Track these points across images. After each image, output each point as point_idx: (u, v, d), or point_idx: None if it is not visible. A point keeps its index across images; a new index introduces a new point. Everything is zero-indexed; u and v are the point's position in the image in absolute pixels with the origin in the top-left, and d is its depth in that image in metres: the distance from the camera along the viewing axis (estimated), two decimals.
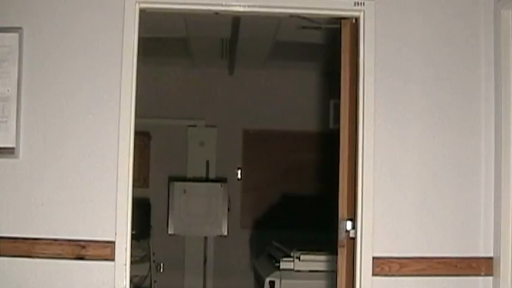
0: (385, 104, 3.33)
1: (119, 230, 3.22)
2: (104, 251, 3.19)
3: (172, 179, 6.70)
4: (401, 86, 3.35)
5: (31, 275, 3.18)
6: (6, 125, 3.20)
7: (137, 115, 3.30)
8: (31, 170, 3.22)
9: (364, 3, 3.34)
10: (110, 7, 3.29)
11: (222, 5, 3.37)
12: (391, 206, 3.30)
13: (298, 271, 4.76)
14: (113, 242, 3.20)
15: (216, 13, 3.46)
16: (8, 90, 3.21)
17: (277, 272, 4.83)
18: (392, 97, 3.34)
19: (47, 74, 3.26)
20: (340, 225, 3.34)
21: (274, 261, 5.08)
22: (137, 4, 3.31)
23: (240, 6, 3.37)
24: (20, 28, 3.24)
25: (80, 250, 3.19)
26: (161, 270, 6.52)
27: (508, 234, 3.21)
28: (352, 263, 3.32)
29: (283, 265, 4.83)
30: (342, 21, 3.43)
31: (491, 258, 3.28)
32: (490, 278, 3.27)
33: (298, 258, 4.77)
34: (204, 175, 6.97)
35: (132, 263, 3.29)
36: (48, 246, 3.18)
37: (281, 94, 6.95)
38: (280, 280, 4.75)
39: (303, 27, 4.55)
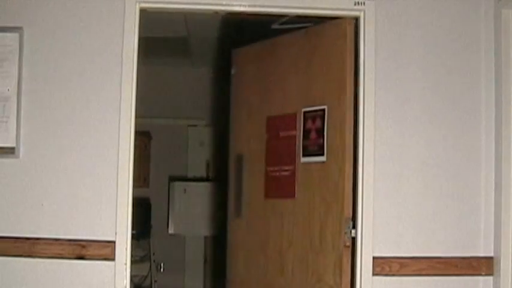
0: (386, 104, 3.33)
1: (119, 229, 3.22)
2: (104, 250, 3.19)
3: (173, 178, 6.70)
4: (401, 85, 3.35)
5: (31, 275, 3.18)
6: (6, 124, 3.20)
7: (137, 115, 3.30)
8: (31, 170, 3.22)
9: (364, 3, 3.34)
10: (110, 7, 3.29)
11: (222, 5, 3.37)
12: (391, 205, 3.30)
13: None
14: (113, 242, 3.21)
15: (216, 13, 3.46)
16: (8, 89, 3.21)
17: None
18: (393, 96, 3.34)
19: (47, 73, 3.27)
20: (344, 225, 3.33)
21: None
22: (137, 4, 3.31)
23: (240, 6, 3.37)
24: (21, 28, 3.24)
25: (80, 250, 3.19)
26: (161, 270, 6.52)
27: (508, 234, 3.21)
28: (352, 263, 3.32)
29: None
30: (342, 20, 3.43)
31: (491, 258, 3.28)
32: (491, 277, 3.27)
33: None
34: (204, 175, 6.97)
35: (132, 262, 3.29)
36: (49, 246, 3.18)
37: None
38: None
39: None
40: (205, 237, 6.81)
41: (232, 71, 4.11)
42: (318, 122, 3.52)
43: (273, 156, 3.80)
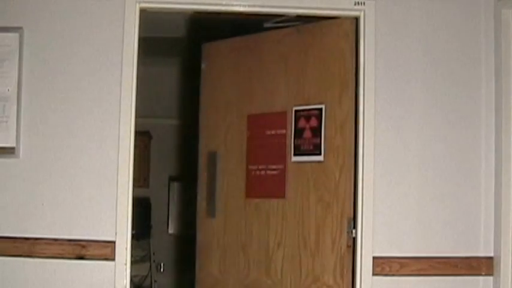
0: (386, 104, 3.33)
1: (119, 229, 3.22)
2: (104, 250, 3.19)
3: (173, 179, 6.69)
4: (401, 86, 3.35)
5: (31, 275, 3.18)
6: (6, 124, 3.20)
7: (137, 115, 3.30)
8: (31, 170, 3.22)
9: (364, 3, 3.34)
10: (110, 7, 3.29)
11: (222, 5, 3.37)
12: (391, 205, 3.30)
13: None
14: (113, 242, 3.21)
15: (216, 13, 3.46)
16: (8, 89, 3.21)
17: None
18: (393, 96, 3.34)
19: (47, 74, 3.27)
20: (347, 225, 3.34)
21: None
22: (137, 4, 3.31)
23: (240, 6, 3.37)
24: (21, 28, 3.24)
25: (80, 250, 3.19)
26: (161, 270, 6.52)
27: (508, 234, 3.21)
28: (352, 263, 3.32)
29: None
30: (343, 20, 3.43)
31: (491, 258, 3.28)
32: (490, 278, 3.27)
33: None
34: None
35: (132, 262, 3.29)
36: (49, 246, 3.18)
37: None
38: None
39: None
40: None
41: (203, 66, 3.98)
42: (314, 121, 3.50)
43: (256, 154, 3.74)
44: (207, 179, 3.93)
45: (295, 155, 3.57)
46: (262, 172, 3.69)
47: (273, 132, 3.67)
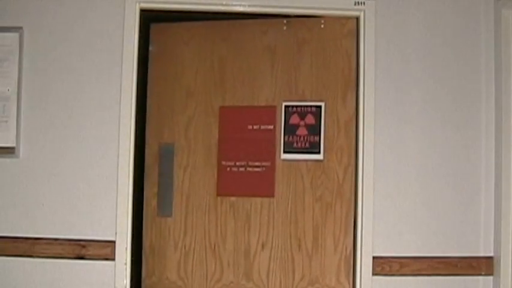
0: (385, 104, 3.33)
1: (119, 229, 3.22)
2: (104, 250, 3.20)
3: None
4: (401, 86, 3.35)
5: (31, 275, 3.18)
6: (6, 124, 3.20)
7: None
8: (31, 169, 3.23)
9: (364, 3, 3.35)
10: (110, 7, 3.29)
11: (222, 5, 3.37)
12: (391, 205, 3.30)
13: None
14: (113, 242, 3.21)
15: (216, 13, 3.46)
16: (8, 89, 3.21)
17: None
18: (393, 97, 3.34)
19: (47, 73, 3.27)
20: (352, 226, 3.34)
21: None
22: (137, 4, 3.31)
23: (240, 6, 3.38)
24: (21, 28, 3.24)
25: (80, 250, 3.19)
26: None
27: (508, 234, 3.21)
28: (353, 263, 3.32)
29: None
30: (342, 20, 3.43)
31: (491, 257, 3.28)
32: (490, 277, 3.27)
33: None
34: None
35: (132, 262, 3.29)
36: (49, 245, 3.18)
37: None
38: None
39: None
40: None
41: (151, 48, 3.60)
42: (310, 119, 3.45)
43: (232, 150, 3.50)
44: (159, 174, 3.57)
45: (285, 152, 3.48)
46: (242, 169, 3.50)
47: (256, 127, 3.51)
